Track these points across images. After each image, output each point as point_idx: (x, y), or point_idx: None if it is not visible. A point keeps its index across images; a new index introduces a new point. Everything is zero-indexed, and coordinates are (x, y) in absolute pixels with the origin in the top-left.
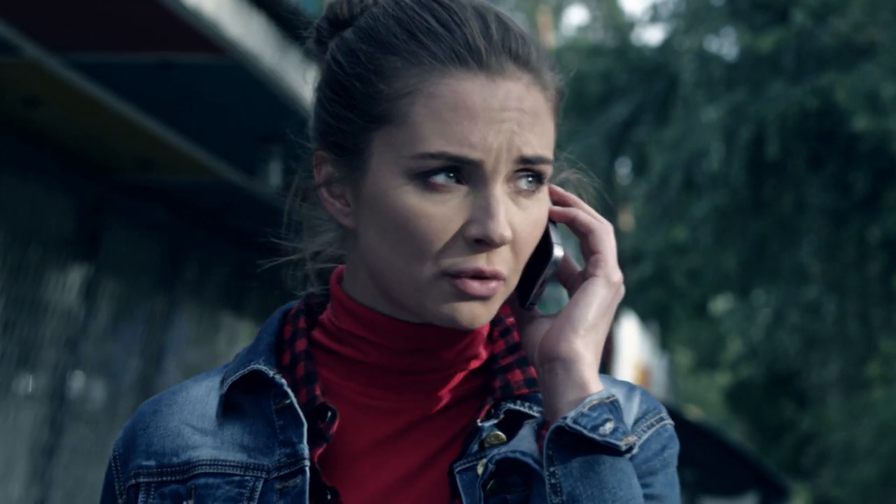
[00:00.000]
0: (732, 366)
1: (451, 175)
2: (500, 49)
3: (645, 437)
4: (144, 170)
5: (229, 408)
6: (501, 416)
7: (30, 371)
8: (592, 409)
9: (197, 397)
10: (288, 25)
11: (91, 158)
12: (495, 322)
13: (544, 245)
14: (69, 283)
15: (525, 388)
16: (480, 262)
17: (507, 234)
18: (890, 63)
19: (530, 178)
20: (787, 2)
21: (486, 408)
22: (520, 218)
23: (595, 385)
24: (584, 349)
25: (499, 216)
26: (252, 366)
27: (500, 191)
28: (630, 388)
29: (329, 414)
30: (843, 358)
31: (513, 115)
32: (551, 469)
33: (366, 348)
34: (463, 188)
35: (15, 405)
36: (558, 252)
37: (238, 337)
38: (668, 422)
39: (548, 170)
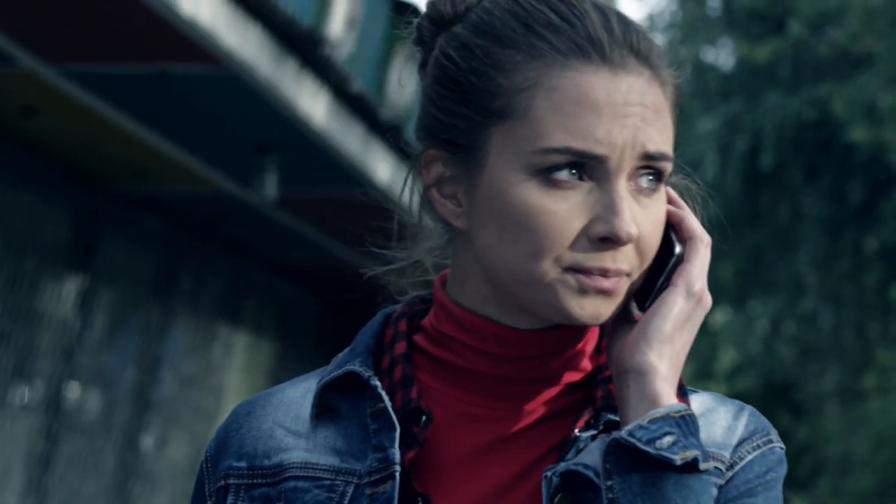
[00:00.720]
0: (728, 376)
1: (574, 171)
2: (622, 43)
3: (749, 458)
4: (140, 180)
5: (325, 410)
6: (601, 427)
7: (25, 381)
8: (653, 421)
9: (293, 399)
10: (284, 35)
11: (87, 168)
12: (602, 333)
13: (663, 245)
14: (65, 293)
15: None
16: (606, 261)
17: (634, 231)
18: (887, 73)
19: (651, 177)
20: (784, 12)
21: (585, 417)
22: (642, 216)
23: (667, 399)
24: (658, 361)
25: (625, 213)
26: (348, 367)
27: (623, 187)
28: (739, 408)
29: (423, 418)
30: (840, 369)
31: (636, 109)
32: (608, 483)
33: (468, 354)
34: (586, 185)
35: (10, 416)
36: (679, 249)
37: (234, 347)
38: (778, 444)
39: (669, 167)
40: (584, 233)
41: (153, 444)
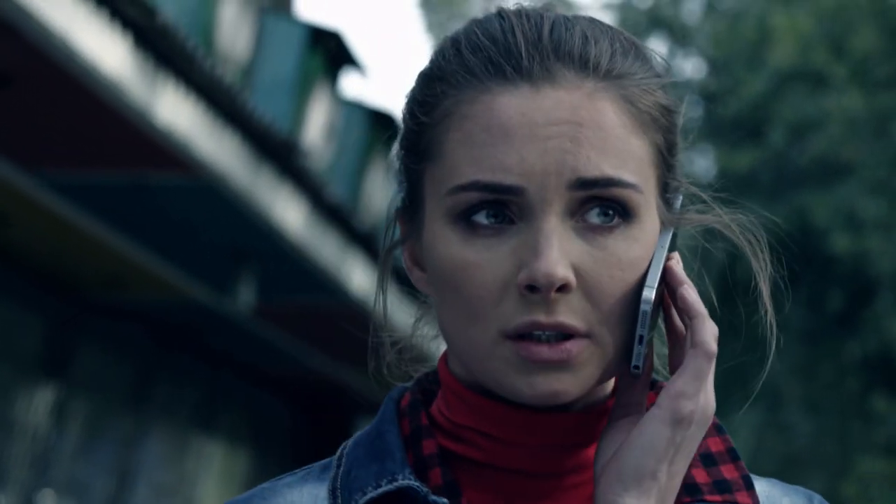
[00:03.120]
0: None
1: (496, 214)
2: (548, 51)
3: None
4: (115, 289)
5: None
6: None
7: None
8: None
9: None
10: (260, 144)
11: (61, 277)
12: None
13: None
14: (39, 402)
15: (717, 493)
16: (537, 313)
17: (560, 273)
18: (868, 181)
19: (607, 210)
20: (764, 120)
21: None
22: (592, 257)
23: None
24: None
25: (547, 252)
26: (401, 482)
27: (552, 224)
28: (808, 497)
29: None
30: (821, 478)
31: (563, 129)
32: None
33: (492, 447)
34: (513, 229)
35: None
36: (646, 293)
37: (209, 457)
38: None
39: (629, 196)
40: (514, 285)
41: None
